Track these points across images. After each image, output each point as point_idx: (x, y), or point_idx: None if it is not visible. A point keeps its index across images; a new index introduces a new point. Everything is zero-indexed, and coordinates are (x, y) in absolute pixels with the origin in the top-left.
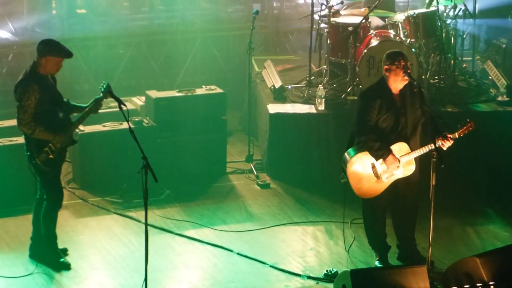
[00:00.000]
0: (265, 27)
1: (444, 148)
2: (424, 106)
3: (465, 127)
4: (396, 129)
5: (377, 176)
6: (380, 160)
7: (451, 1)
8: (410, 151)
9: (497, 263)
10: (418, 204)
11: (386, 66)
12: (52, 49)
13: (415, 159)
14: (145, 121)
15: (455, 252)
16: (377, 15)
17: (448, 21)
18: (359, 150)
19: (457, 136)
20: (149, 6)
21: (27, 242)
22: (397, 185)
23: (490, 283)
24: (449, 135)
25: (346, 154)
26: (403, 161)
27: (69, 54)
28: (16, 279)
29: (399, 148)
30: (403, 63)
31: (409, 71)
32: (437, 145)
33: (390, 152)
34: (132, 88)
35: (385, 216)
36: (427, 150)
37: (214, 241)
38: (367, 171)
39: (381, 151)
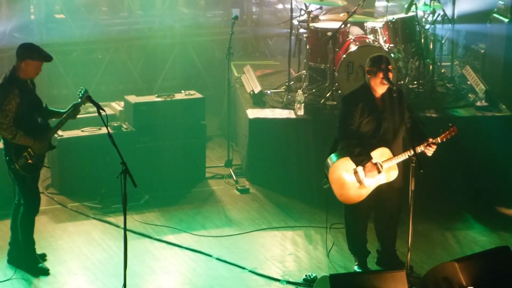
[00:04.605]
0: (244, 32)
1: (429, 154)
2: (406, 112)
3: (447, 132)
4: (377, 134)
5: (359, 181)
6: None
7: (430, 7)
8: (392, 156)
9: (475, 268)
10: (400, 210)
11: (368, 68)
12: (32, 53)
13: (398, 164)
14: (124, 126)
15: (434, 257)
16: (356, 20)
17: (427, 26)
18: (341, 155)
19: (439, 141)
20: (128, 11)
21: (5, 247)
22: (380, 190)
23: (469, 287)
24: (432, 140)
25: (328, 159)
26: (385, 167)
27: (49, 58)
28: None
29: (381, 153)
30: (383, 66)
31: (390, 74)
32: (420, 151)
33: (370, 158)
34: (111, 93)
35: (367, 222)
36: (410, 155)
37: (193, 246)
38: (349, 177)
39: (361, 157)
